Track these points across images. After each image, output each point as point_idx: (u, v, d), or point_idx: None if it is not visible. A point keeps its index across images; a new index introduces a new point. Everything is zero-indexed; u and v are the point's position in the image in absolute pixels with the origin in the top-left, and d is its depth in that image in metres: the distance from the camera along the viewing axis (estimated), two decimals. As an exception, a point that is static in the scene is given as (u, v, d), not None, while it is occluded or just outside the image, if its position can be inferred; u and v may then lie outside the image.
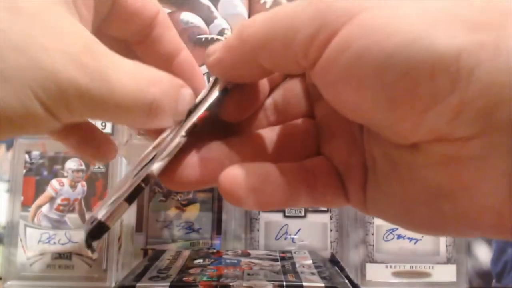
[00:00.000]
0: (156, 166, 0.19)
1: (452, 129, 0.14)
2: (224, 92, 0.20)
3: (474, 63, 0.13)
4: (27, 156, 0.52)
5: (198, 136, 0.21)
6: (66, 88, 0.16)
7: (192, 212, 0.51)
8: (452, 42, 0.14)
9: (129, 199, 0.19)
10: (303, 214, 0.52)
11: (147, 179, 0.19)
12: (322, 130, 0.22)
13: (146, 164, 0.20)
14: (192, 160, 0.20)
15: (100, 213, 0.19)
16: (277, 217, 0.52)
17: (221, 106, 0.21)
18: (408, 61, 0.14)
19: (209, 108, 0.20)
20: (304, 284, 0.34)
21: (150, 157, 0.21)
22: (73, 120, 0.18)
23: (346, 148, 0.20)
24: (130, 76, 0.18)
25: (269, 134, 0.22)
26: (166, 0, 0.51)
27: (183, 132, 0.20)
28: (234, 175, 0.19)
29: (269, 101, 0.23)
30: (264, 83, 0.22)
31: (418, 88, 0.14)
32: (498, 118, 0.13)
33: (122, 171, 0.52)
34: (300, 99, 0.23)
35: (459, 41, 0.14)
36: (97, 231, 0.19)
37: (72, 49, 0.16)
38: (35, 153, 0.52)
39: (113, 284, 0.49)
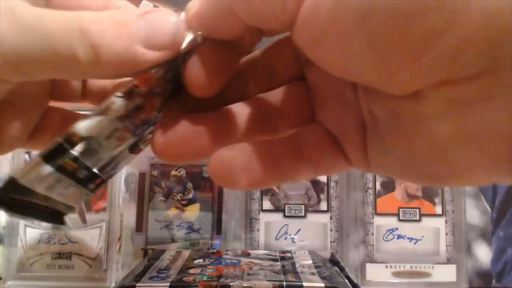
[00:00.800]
0: (83, 125, 0.17)
1: (454, 71, 0.13)
2: (192, 43, 0.18)
3: None
4: (27, 156, 0.52)
5: (173, 110, 0.20)
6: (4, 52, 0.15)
7: (192, 212, 0.51)
8: None
9: (46, 157, 0.17)
10: (303, 214, 0.52)
11: (68, 138, 0.17)
12: (314, 94, 0.21)
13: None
14: (173, 135, 0.19)
15: (17, 169, 0.17)
16: (277, 217, 0.52)
17: (188, 69, 0.18)
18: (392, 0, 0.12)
19: (166, 69, 0.18)
20: (304, 284, 0.34)
21: None
22: (29, 78, 0.17)
23: (341, 110, 0.19)
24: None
25: (255, 105, 0.21)
26: (166, 0, 0.51)
27: (119, 93, 0.17)
28: (223, 157, 0.18)
29: (251, 68, 0.21)
30: (238, 48, 0.20)
31: (408, 31, 0.12)
32: (505, 51, 0.12)
33: (122, 171, 0.52)
34: (288, 63, 0.21)
35: None
36: (8, 186, 0.17)
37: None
38: (35, 153, 0.52)
39: (113, 284, 0.49)
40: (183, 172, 0.52)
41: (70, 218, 0.51)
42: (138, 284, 0.34)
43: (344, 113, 0.19)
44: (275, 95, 0.21)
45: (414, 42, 0.13)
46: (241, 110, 0.20)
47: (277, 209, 0.52)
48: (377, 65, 0.14)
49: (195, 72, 0.18)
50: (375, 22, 0.13)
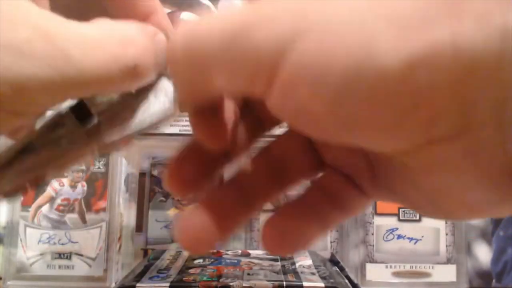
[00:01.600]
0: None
1: (429, 135, 0.13)
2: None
3: (433, 69, 0.12)
4: (27, 156, 0.52)
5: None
6: (23, 86, 0.14)
7: (192, 212, 0.51)
8: (397, 54, 0.12)
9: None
10: (303, 214, 0.52)
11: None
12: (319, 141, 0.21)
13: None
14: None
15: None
16: (277, 217, 0.52)
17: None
18: (358, 86, 0.12)
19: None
20: (304, 284, 0.34)
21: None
22: (44, 109, 0.17)
23: (348, 151, 0.19)
24: (98, 46, 0.15)
25: (265, 158, 0.21)
26: (166, 0, 0.51)
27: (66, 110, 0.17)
28: (274, 234, 0.19)
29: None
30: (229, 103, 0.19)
31: (377, 112, 0.13)
32: (479, 113, 0.12)
33: (122, 171, 0.53)
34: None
35: (404, 50, 0.12)
36: None
37: (17, 38, 0.14)
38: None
39: (113, 284, 0.49)
40: (183, 172, 0.52)
41: (70, 218, 0.51)
42: (138, 284, 0.34)
43: (352, 153, 0.19)
44: (280, 146, 0.21)
45: (384, 119, 0.13)
46: (253, 166, 0.21)
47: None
48: (353, 138, 0.14)
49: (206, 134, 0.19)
50: (345, 109, 0.13)
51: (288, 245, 0.19)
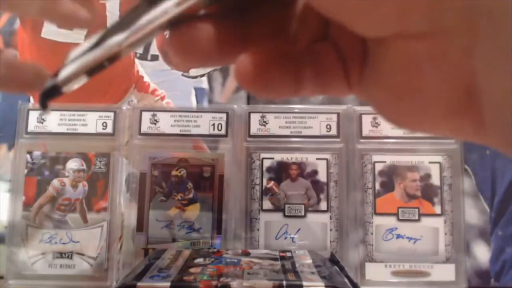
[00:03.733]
0: (126, 42, 0.17)
1: (400, 26, 0.15)
2: None
3: None
4: (28, 156, 0.52)
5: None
6: None
7: (193, 212, 0.52)
8: None
9: (90, 73, 0.18)
10: (303, 214, 0.52)
11: (112, 58, 0.18)
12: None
13: (112, 35, 0.18)
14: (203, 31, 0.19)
15: (60, 77, 0.18)
16: (277, 216, 0.52)
17: None
18: None
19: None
20: (304, 283, 0.34)
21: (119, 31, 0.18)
22: None
23: (350, 34, 0.20)
24: None
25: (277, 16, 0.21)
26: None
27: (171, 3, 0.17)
28: (246, 61, 0.19)
29: None
30: None
31: None
32: (446, 20, 0.14)
33: (123, 171, 0.53)
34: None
35: None
36: (51, 92, 0.18)
37: None
38: (37, 153, 0.53)
39: (114, 283, 0.49)
40: (183, 172, 0.52)
41: (72, 217, 0.51)
42: (139, 283, 0.34)
43: (352, 35, 0.20)
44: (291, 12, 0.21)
45: (368, 2, 0.15)
46: (260, 15, 0.21)
47: (277, 209, 0.52)
48: (344, 17, 0.16)
49: None
50: None
51: (258, 82, 0.19)
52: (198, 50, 0.19)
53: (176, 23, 0.18)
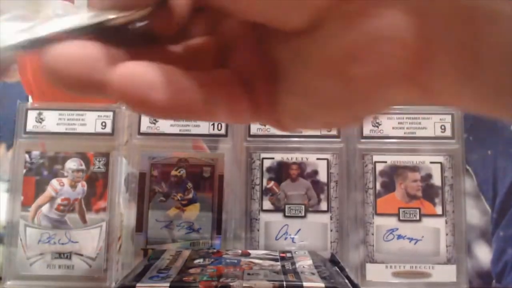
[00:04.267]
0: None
1: (314, 12, 0.16)
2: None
3: None
4: (27, 156, 0.52)
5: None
6: None
7: (192, 212, 0.51)
8: None
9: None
10: (303, 214, 0.52)
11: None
12: (228, 45, 0.21)
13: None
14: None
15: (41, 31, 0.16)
16: (277, 217, 0.52)
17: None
18: None
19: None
20: (304, 284, 0.34)
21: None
22: None
23: (251, 58, 0.20)
24: None
25: (177, 49, 0.20)
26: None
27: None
28: (136, 68, 0.15)
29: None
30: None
31: None
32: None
33: (122, 171, 0.53)
34: (201, 18, 0.21)
35: None
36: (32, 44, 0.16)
37: None
38: (35, 153, 0.52)
39: (113, 284, 0.49)
40: (183, 172, 0.52)
41: (70, 218, 0.51)
42: (138, 284, 0.34)
43: (255, 60, 0.20)
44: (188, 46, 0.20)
45: None
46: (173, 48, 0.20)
47: (277, 209, 0.52)
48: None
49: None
50: None
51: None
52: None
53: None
